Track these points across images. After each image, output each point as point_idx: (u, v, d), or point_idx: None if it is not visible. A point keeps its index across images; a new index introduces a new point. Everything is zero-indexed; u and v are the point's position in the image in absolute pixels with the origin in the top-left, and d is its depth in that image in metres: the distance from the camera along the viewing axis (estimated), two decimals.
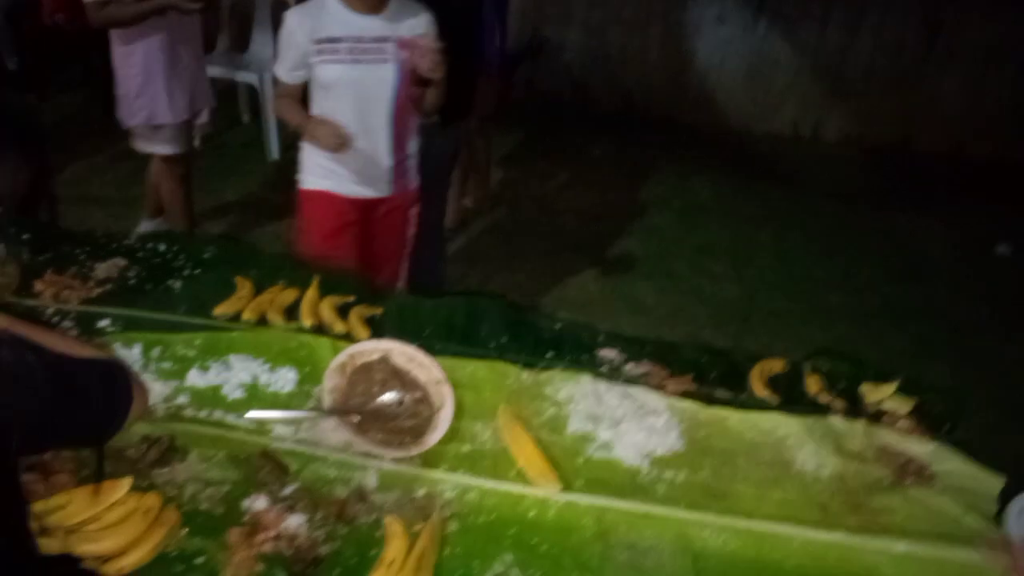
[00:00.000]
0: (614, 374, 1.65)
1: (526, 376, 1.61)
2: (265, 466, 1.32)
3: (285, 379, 1.51)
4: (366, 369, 1.53)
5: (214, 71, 4.30)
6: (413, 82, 2.16)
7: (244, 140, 4.55)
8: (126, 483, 1.21)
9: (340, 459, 1.36)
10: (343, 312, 1.70)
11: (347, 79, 2.11)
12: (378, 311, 1.75)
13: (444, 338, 1.70)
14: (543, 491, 1.35)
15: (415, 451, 1.39)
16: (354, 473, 1.34)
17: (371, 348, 1.55)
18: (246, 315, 1.65)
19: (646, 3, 5.25)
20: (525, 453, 1.41)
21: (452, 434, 1.44)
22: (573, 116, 5.38)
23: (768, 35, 5.25)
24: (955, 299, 3.82)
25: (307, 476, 1.33)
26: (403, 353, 1.55)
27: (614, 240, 4.05)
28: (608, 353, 1.71)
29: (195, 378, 1.49)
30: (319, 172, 2.26)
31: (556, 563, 1.24)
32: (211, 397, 1.46)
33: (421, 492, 1.33)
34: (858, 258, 4.11)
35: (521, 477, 1.37)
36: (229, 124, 4.64)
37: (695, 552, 1.29)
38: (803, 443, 1.52)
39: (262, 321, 1.66)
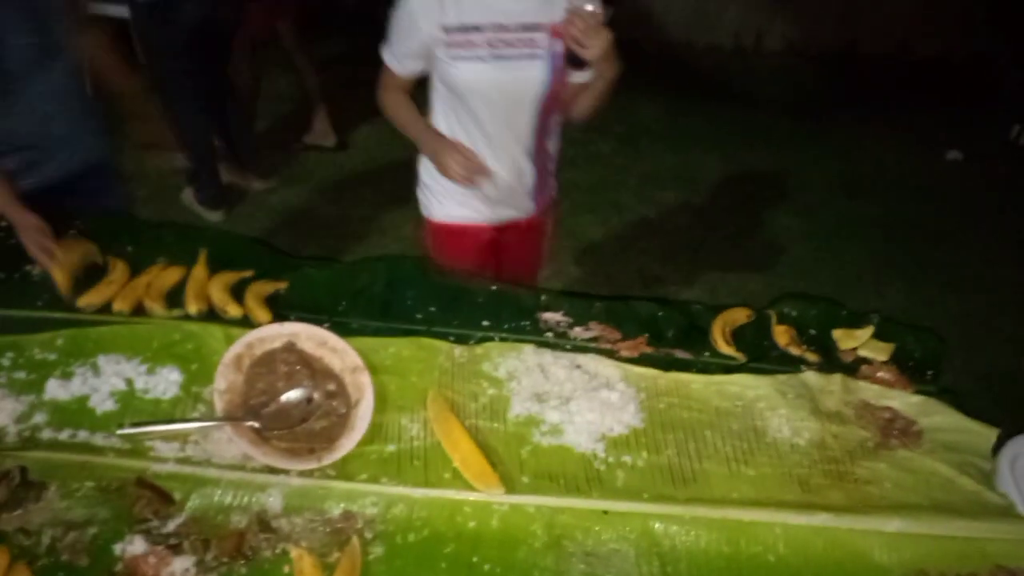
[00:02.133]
0: (560, 341, 1.44)
1: (459, 352, 1.38)
2: (142, 497, 1.09)
3: (167, 381, 1.26)
4: (268, 360, 1.29)
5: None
6: (564, 74, 1.64)
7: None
8: None
9: (236, 479, 1.13)
10: (239, 292, 1.44)
11: (486, 83, 1.60)
12: (281, 285, 1.49)
13: (362, 312, 1.47)
14: (484, 495, 1.15)
15: (328, 460, 1.17)
16: (254, 496, 1.11)
17: (273, 333, 1.31)
18: (117, 304, 1.38)
19: None
20: (460, 449, 1.20)
21: (373, 433, 1.22)
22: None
23: None
24: (910, 210, 3.69)
25: (195, 505, 1.10)
26: (312, 337, 1.31)
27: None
28: (552, 316, 1.49)
29: (55, 389, 1.23)
30: (451, 201, 1.80)
31: None
32: (75, 413, 1.21)
33: (336, 511, 1.11)
34: (810, 172, 3.95)
35: (457, 479, 1.17)
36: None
37: (662, 553, 1.11)
38: (776, 406, 1.34)
39: (138, 311, 1.39)
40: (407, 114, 1.72)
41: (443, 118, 1.70)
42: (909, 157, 4.16)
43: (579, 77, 1.64)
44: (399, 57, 1.66)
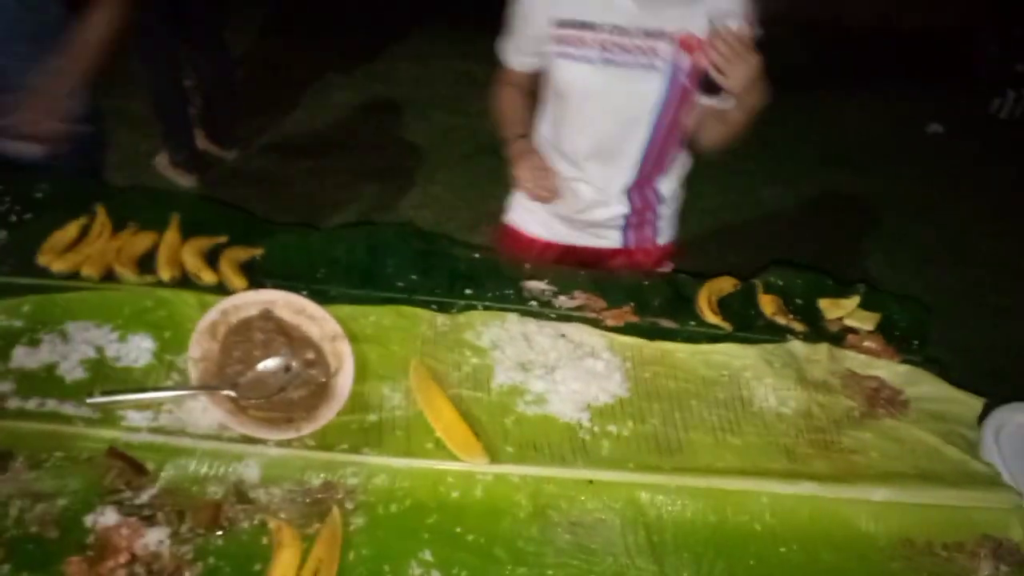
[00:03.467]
0: (544, 310, 1.42)
1: (441, 321, 1.35)
2: (114, 467, 1.05)
3: (139, 349, 1.22)
4: (244, 328, 1.25)
5: None
6: (690, 96, 1.47)
7: None
8: None
9: (212, 449, 1.10)
10: (213, 258, 1.39)
11: (590, 88, 1.46)
12: (257, 252, 1.44)
13: (341, 280, 1.43)
14: (467, 465, 1.13)
15: (307, 429, 1.14)
16: (230, 465, 1.08)
17: (249, 301, 1.27)
18: (86, 269, 1.33)
19: None
20: (443, 418, 1.18)
21: (354, 402, 1.19)
22: None
23: None
24: (892, 182, 3.70)
25: (169, 476, 1.06)
26: (289, 304, 1.28)
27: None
28: (536, 285, 1.46)
29: (22, 357, 1.18)
30: (523, 209, 1.72)
31: (486, 556, 1.03)
32: (43, 381, 1.16)
33: (317, 482, 1.08)
34: (793, 143, 3.93)
35: (440, 449, 1.14)
36: None
37: (648, 522, 1.10)
38: (762, 375, 1.33)
39: (109, 277, 1.34)
40: (506, 111, 1.61)
41: (546, 122, 1.60)
42: (891, 129, 4.16)
43: (711, 101, 1.46)
44: (511, 50, 1.56)
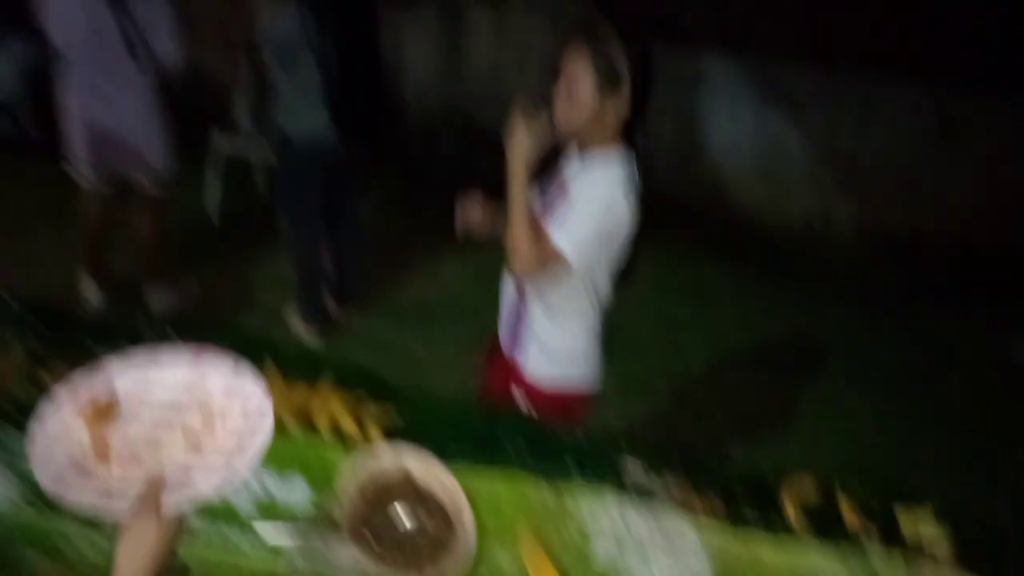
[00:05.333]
0: (639, 490, 1.57)
1: (548, 493, 1.53)
2: None
3: (297, 490, 1.44)
4: (384, 487, 1.46)
5: (235, 149, 4.37)
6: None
7: (259, 210, 4.54)
8: None
9: None
10: (354, 409, 1.63)
11: None
12: (389, 407, 1.67)
13: (459, 439, 1.63)
14: None
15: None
16: None
17: (391, 464, 1.48)
18: None
19: (658, 93, 5.32)
20: None
21: (472, 560, 1.35)
22: None
23: (780, 126, 5.32)
24: (969, 404, 3.75)
25: None
26: (423, 469, 1.48)
27: (626, 326, 3.98)
28: (632, 465, 1.63)
29: None
30: (574, 369, 1.99)
31: None
32: (222, 510, 1.38)
33: None
34: (872, 354, 4.05)
35: None
36: (245, 194, 4.65)
37: None
38: None
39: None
40: None
41: None
42: (972, 351, 4.23)
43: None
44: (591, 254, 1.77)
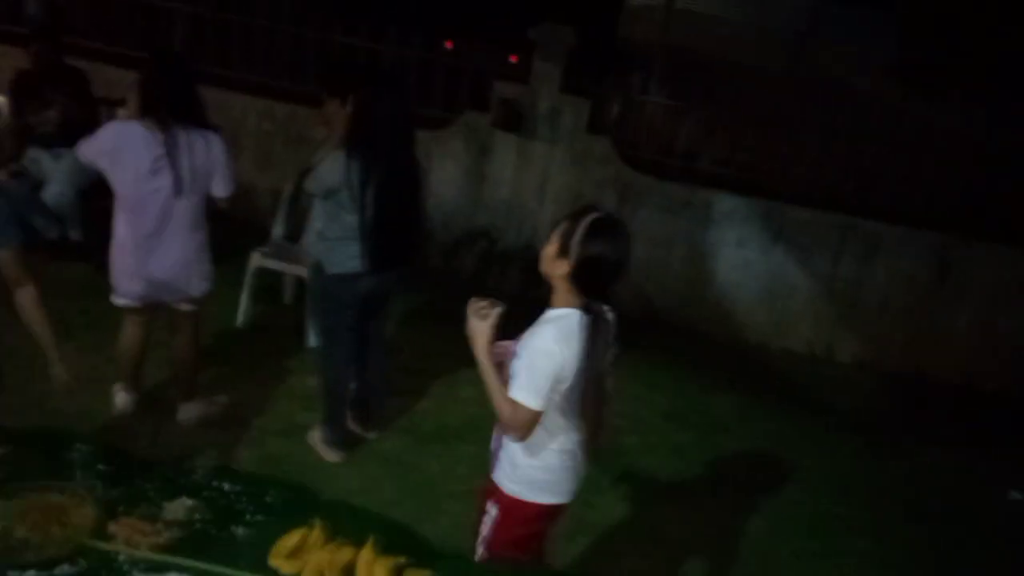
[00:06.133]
0: None
1: None
2: None
3: None
4: None
5: (267, 262, 4.61)
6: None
7: (285, 323, 4.74)
8: None
9: None
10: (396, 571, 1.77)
11: None
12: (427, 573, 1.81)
13: None
14: None
15: None
16: None
17: None
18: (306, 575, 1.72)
19: (670, 223, 5.62)
20: None
21: None
22: None
23: (785, 260, 5.58)
24: (968, 544, 3.83)
25: None
26: None
27: (636, 457, 4.11)
28: None
29: None
30: (539, 485, 2.22)
31: None
32: None
33: None
34: (872, 491, 4.16)
35: None
36: (272, 306, 4.87)
37: None
38: None
39: None
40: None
41: None
42: (970, 489, 4.34)
43: None
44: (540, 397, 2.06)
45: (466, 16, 7.37)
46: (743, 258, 5.62)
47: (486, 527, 2.26)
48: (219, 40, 6.12)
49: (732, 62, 6.21)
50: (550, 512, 2.27)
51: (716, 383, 5.04)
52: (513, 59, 6.29)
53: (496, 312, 2.10)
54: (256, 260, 4.59)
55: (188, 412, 3.69)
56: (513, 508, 2.22)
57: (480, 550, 2.27)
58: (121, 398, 3.63)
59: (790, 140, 5.89)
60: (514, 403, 2.05)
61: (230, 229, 4.15)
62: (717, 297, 5.72)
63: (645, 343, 5.28)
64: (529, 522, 2.24)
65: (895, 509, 4.06)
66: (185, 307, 3.48)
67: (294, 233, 4.82)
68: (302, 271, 4.52)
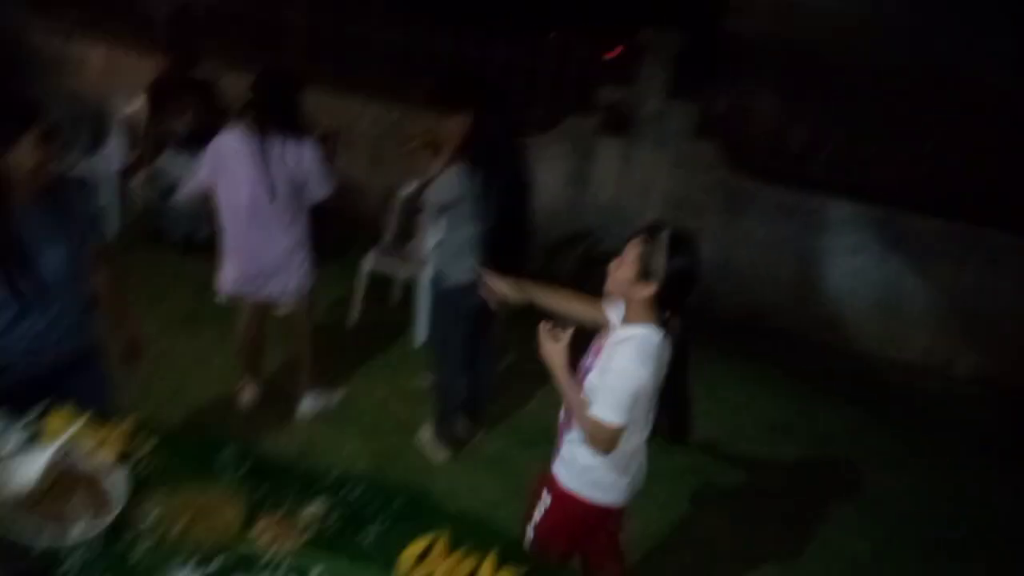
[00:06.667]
0: None
1: None
2: None
3: None
4: None
5: (380, 264, 4.80)
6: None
7: (393, 323, 4.91)
8: None
9: None
10: None
11: None
12: None
13: None
14: None
15: None
16: None
17: None
18: None
19: (780, 228, 5.48)
20: None
21: None
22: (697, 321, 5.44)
23: (902, 269, 5.35)
24: None
25: None
26: None
27: (739, 469, 4.07)
28: None
29: None
30: (595, 485, 2.30)
31: None
32: None
33: None
34: (996, 519, 3.96)
35: None
36: (381, 305, 5.05)
37: None
38: None
39: None
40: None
41: None
42: None
43: None
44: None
45: (568, 14, 7.34)
46: (857, 265, 5.42)
47: (538, 513, 2.38)
48: (336, 47, 6.35)
49: (848, 58, 5.94)
50: (602, 512, 2.34)
51: (825, 394, 4.91)
52: (612, 55, 6.22)
53: (567, 334, 2.19)
54: (369, 262, 4.78)
55: (306, 406, 3.90)
56: (566, 502, 2.33)
57: (529, 533, 2.40)
58: (245, 392, 3.89)
59: (910, 142, 5.62)
60: (597, 421, 2.10)
61: (342, 229, 4.35)
62: (828, 305, 5.55)
63: (751, 351, 5.20)
64: (580, 518, 2.35)
65: (1016, 536, 3.85)
66: (293, 304, 3.68)
67: (404, 237, 4.99)
68: (411, 273, 4.68)
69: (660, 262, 2.05)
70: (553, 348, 2.19)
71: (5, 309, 2.20)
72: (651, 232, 2.10)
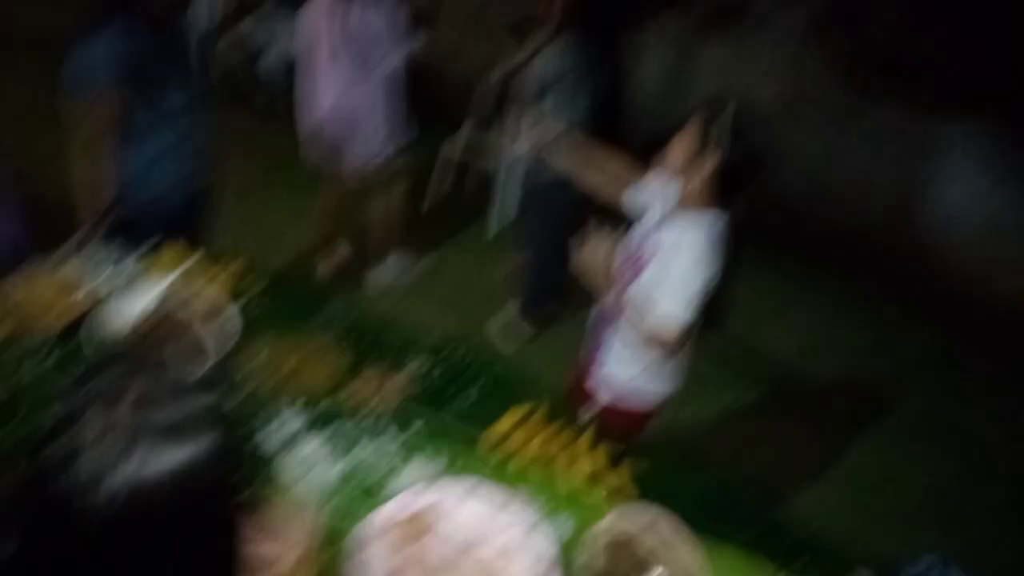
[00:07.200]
0: None
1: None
2: None
3: (562, 528, 1.65)
4: (628, 543, 1.64)
5: (459, 152, 4.69)
6: None
7: (468, 211, 4.76)
8: None
9: None
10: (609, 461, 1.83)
11: None
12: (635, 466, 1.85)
13: (698, 508, 1.78)
14: None
15: None
16: None
17: (640, 524, 1.65)
18: (531, 450, 1.81)
19: (888, 147, 5.17)
20: None
21: None
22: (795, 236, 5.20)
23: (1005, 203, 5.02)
24: None
25: None
26: (669, 532, 1.65)
27: (818, 388, 3.98)
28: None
29: None
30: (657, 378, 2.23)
31: None
32: None
33: None
34: None
35: None
36: (457, 192, 4.91)
37: None
38: None
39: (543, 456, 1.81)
40: None
41: None
42: None
43: None
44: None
45: None
46: (962, 192, 5.10)
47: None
48: None
49: None
50: (650, 413, 2.28)
51: (911, 321, 4.69)
52: None
53: (616, 234, 2.04)
54: (447, 150, 4.68)
55: (383, 274, 3.92)
56: (621, 403, 2.25)
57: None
58: (326, 259, 3.92)
59: None
60: (667, 317, 1.95)
61: (426, 108, 4.16)
62: (929, 232, 5.25)
63: (838, 267, 4.97)
64: (632, 422, 2.26)
65: None
66: (373, 172, 3.64)
67: (495, 119, 4.82)
68: (489, 163, 4.57)
69: (724, 135, 1.88)
70: (599, 250, 2.02)
71: (153, 137, 2.30)
72: (714, 107, 1.94)
